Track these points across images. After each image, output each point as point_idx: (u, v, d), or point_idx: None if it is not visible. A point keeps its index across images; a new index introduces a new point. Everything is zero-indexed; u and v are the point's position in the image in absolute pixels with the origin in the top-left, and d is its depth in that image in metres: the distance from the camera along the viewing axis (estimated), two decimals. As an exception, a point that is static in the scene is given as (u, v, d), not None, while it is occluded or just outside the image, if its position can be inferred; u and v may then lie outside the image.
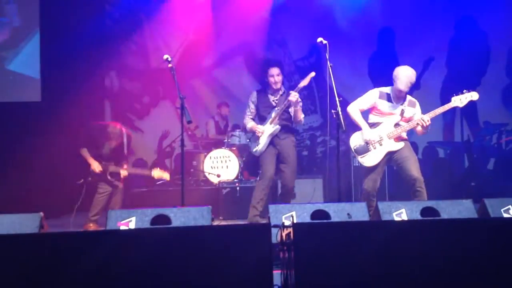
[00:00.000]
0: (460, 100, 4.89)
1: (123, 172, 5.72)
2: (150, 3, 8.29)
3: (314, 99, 8.95)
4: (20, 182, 6.69)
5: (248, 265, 2.92)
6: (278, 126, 5.51)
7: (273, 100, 5.63)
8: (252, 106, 5.69)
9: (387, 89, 5.07)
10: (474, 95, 4.90)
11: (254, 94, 5.75)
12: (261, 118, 5.74)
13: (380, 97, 5.03)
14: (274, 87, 5.57)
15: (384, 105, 5.01)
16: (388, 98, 5.02)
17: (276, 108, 5.53)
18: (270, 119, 5.54)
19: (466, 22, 8.43)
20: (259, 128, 5.57)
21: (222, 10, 8.43)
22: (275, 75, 5.53)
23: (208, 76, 8.95)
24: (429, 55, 8.63)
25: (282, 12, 8.52)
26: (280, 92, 5.63)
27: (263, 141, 5.57)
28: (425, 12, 8.36)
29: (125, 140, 5.87)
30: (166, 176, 5.86)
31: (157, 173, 5.80)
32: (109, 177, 5.70)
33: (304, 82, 5.37)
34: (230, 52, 8.90)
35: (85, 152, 5.75)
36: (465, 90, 4.90)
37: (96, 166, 5.67)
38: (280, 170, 5.63)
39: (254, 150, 5.66)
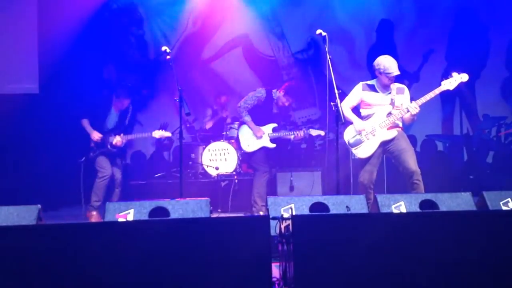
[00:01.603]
0: (450, 83, 4.87)
1: (117, 138, 5.73)
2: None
3: (313, 92, 8.92)
4: (18, 174, 6.68)
5: (246, 258, 2.92)
6: (275, 145, 6.04)
7: (275, 111, 6.09)
8: (255, 102, 5.99)
9: (371, 82, 5.10)
10: (463, 77, 4.88)
11: (264, 92, 6.03)
12: (257, 117, 6.00)
13: (364, 89, 5.06)
14: (280, 104, 6.10)
15: (370, 97, 5.01)
16: (373, 90, 5.04)
17: (282, 133, 6.11)
18: (270, 133, 6.02)
19: (466, 14, 8.39)
20: (259, 132, 5.98)
21: (221, 2, 8.37)
22: (286, 103, 6.09)
23: (207, 68, 8.91)
24: (429, 48, 8.60)
25: (281, 4, 8.47)
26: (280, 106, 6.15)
27: (255, 146, 6.03)
28: (425, 4, 8.33)
29: (129, 111, 5.93)
30: (167, 134, 5.97)
31: (158, 133, 5.86)
32: (109, 147, 5.75)
33: (313, 133, 6.08)
34: (229, 45, 8.86)
35: (85, 123, 5.81)
36: (454, 73, 4.88)
37: (95, 135, 5.71)
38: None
39: (246, 146, 6.07)
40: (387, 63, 4.94)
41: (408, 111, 4.86)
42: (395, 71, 4.93)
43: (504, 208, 4.02)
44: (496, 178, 7.11)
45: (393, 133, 4.97)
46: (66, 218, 6.00)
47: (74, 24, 7.17)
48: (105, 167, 5.74)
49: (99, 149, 5.75)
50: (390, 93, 5.01)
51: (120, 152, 5.89)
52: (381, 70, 4.95)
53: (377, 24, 8.74)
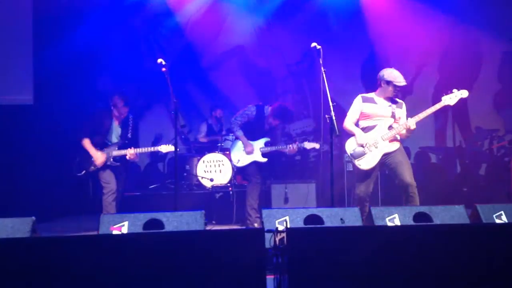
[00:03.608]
0: (450, 99, 4.96)
1: (130, 151, 5.52)
2: (145, 6, 8.28)
3: (307, 104, 8.96)
4: (12, 186, 6.64)
5: (241, 270, 2.93)
6: (266, 159, 6.08)
7: (268, 123, 6.11)
8: (245, 119, 6.08)
9: (370, 94, 5.18)
10: (464, 93, 4.98)
11: (254, 109, 6.10)
12: (249, 132, 6.09)
13: (364, 101, 5.13)
14: (270, 121, 6.13)
15: (370, 108, 5.07)
16: (373, 102, 5.12)
17: (274, 147, 6.10)
18: (261, 147, 6.08)
19: (458, 27, 8.48)
20: (249, 147, 6.05)
21: (217, 14, 8.43)
22: (273, 123, 6.10)
23: (202, 80, 8.95)
24: (422, 60, 8.68)
25: (277, 16, 8.53)
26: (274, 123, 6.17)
27: (246, 161, 6.10)
28: (418, 17, 8.41)
29: (130, 123, 5.72)
30: (172, 148, 5.69)
31: (164, 147, 5.70)
32: (112, 161, 5.55)
33: (308, 145, 6.04)
34: (224, 56, 8.90)
35: (87, 143, 5.56)
36: (454, 90, 4.96)
37: (98, 157, 5.50)
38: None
39: (237, 161, 6.16)
40: (395, 73, 5.07)
41: (404, 128, 4.92)
42: (403, 82, 5.04)
43: (497, 221, 4.05)
44: (489, 190, 7.15)
45: (395, 145, 5.03)
46: (61, 231, 5.97)
47: (69, 35, 7.19)
48: (109, 181, 5.52)
49: (100, 163, 5.53)
50: (390, 105, 5.08)
51: (123, 165, 5.67)
52: (389, 79, 5.01)
53: (371, 36, 8.82)
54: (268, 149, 6.11)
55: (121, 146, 5.61)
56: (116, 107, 5.61)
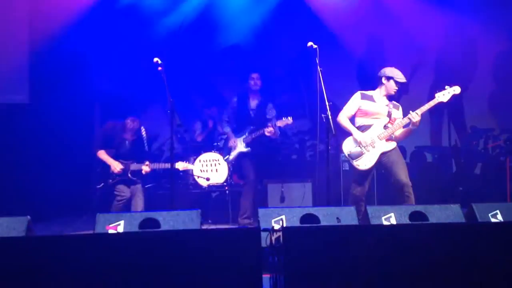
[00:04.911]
0: (443, 95, 4.99)
1: (145, 168, 5.53)
2: (141, 5, 8.27)
3: (303, 104, 8.97)
4: (7, 185, 6.62)
5: (237, 269, 2.93)
6: (249, 149, 6.18)
7: (251, 109, 6.24)
8: (230, 111, 6.32)
9: (369, 92, 5.19)
10: (456, 89, 5.00)
11: (235, 97, 6.35)
12: (237, 123, 6.27)
13: (363, 98, 5.15)
14: (253, 88, 6.25)
15: (368, 105, 5.09)
16: (371, 99, 5.13)
17: (254, 133, 6.12)
18: (244, 137, 6.21)
19: (454, 28, 8.50)
20: (231, 142, 6.27)
21: (213, 14, 8.42)
22: (255, 78, 6.25)
23: (198, 79, 8.93)
24: (418, 60, 8.69)
25: (273, 16, 8.53)
26: (257, 101, 6.27)
27: (232, 154, 6.29)
28: (414, 18, 8.43)
29: (144, 135, 5.69)
30: (190, 167, 5.89)
31: (181, 165, 5.69)
32: (130, 176, 5.53)
33: (280, 123, 6.01)
34: (220, 55, 8.89)
35: (103, 155, 5.56)
36: (447, 86, 4.99)
37: (116, 165, 5.48)
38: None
39: (226, 158, 6.37)
40: (396, 70, 5.13)
41: (408, 119, 4.91)
42: (403, 79, 5.10)
43: (492, 220, 4.07)
44: (484, 189, 7.17)
45: (392, 144, 5.05)
46: (57, 230, 5.96)
47: (65, 34, 7.16)
48: (125, 192, 5.51)
49: (119, 176, 5.52)
50: (387, 105, 5.10)
51: (142, 180, 5.66)
52: (391, 75, 5.04)
53: (367, 36, 8.83)
54: (250, 137, 6.18)
55: (139, 160, 5.59)
56: (125, 127, 5.59)
